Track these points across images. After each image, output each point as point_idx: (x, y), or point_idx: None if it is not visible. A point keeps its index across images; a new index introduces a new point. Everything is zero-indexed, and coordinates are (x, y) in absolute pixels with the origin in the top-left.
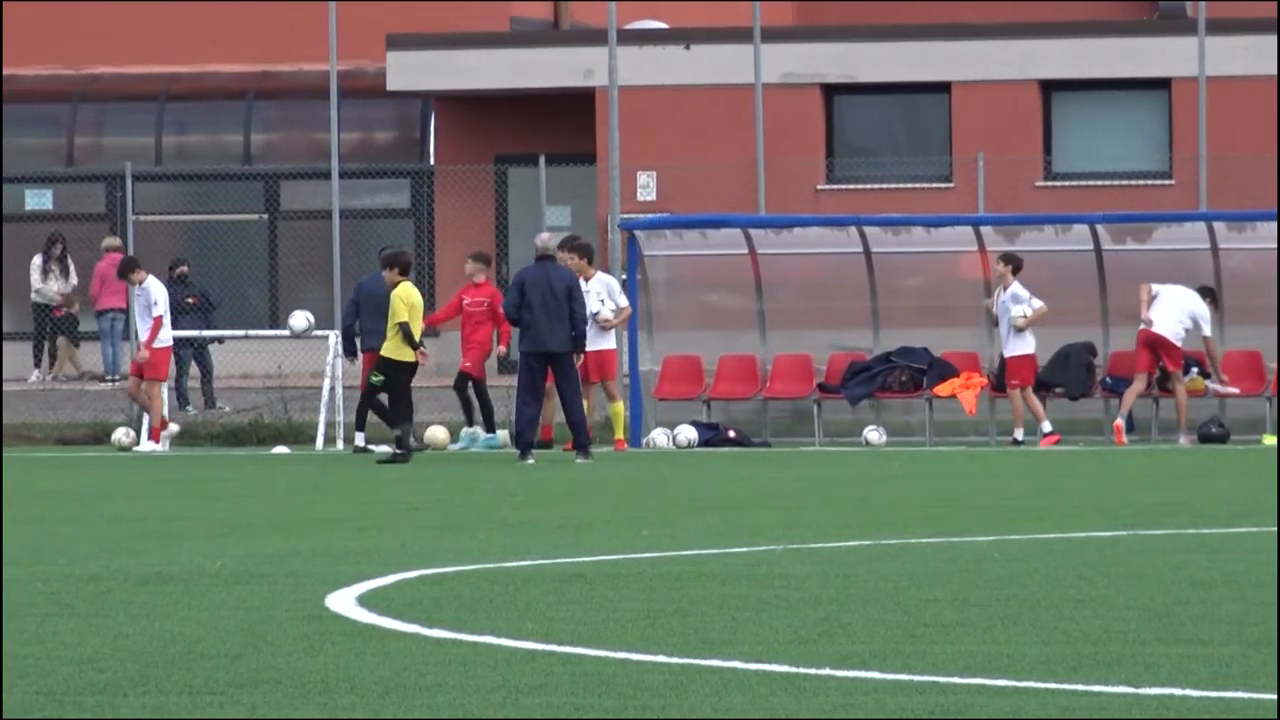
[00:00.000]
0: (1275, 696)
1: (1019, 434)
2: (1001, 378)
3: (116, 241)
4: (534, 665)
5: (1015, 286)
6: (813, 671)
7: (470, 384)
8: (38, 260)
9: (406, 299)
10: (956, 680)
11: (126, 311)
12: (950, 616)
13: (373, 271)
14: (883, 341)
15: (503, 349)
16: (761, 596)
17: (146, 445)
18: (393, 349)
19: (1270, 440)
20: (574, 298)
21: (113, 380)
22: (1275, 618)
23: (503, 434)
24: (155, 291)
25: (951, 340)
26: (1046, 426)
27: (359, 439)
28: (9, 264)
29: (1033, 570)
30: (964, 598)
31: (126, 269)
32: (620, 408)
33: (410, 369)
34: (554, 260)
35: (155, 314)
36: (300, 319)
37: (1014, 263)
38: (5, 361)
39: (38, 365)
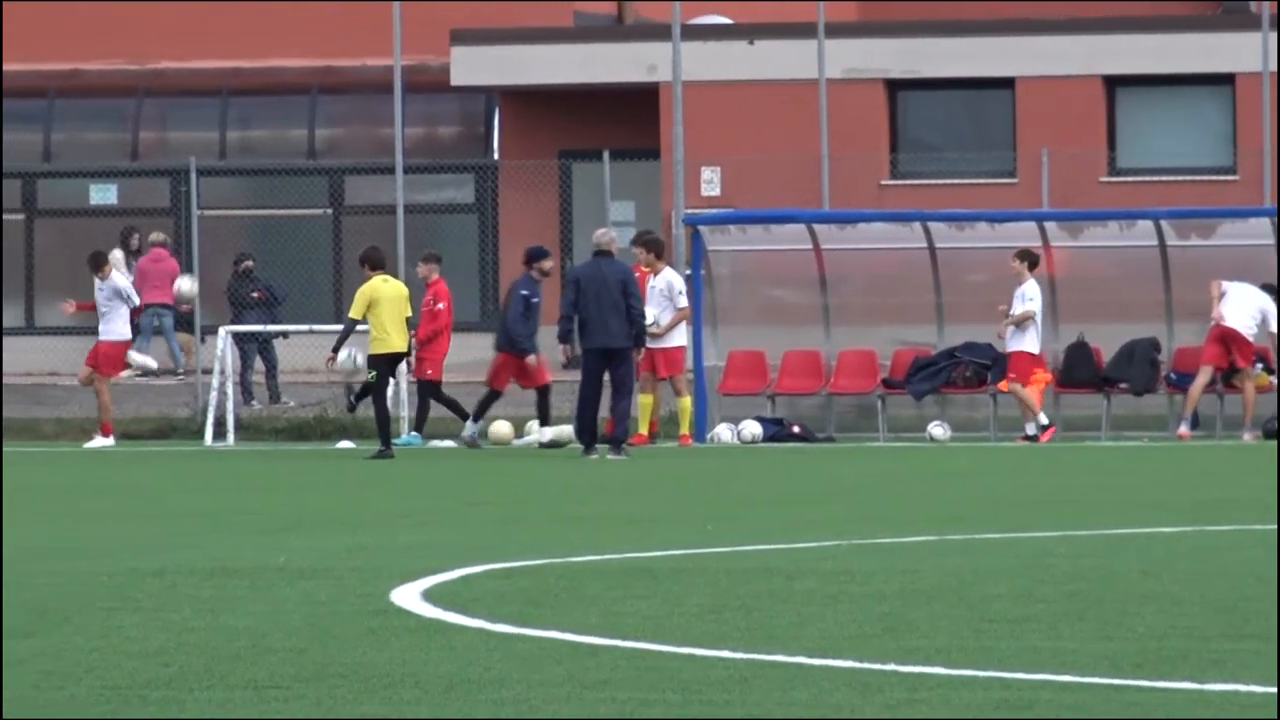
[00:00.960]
0: None
1: (1030, 428)
2: (1067, 373)
3: (162, 236)
4: (598, 660)
5: (1028, 284)
6: (877, 667)
7: (432, 388)
8: (118, 254)
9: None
10: (1021, 676)
11: (172, 307)
12: (1015, 612)
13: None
14: (947, 337)
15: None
16: (826, 592)
17: (97, 442)
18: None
19: None
20: (629, 292)
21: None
22: None
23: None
24: (125, 285)
25: (1014, 340)
26: (1043, 419)
27: (545, 434)
28: (72, 259)
29: (1097, 566)
30: (1029, 593)
31: (96, 264)
32: (688, 403)
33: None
34: (611, 255)
35: (133, 305)
36: (185, 283)
37: (1030, 259)
38: (63, 358)
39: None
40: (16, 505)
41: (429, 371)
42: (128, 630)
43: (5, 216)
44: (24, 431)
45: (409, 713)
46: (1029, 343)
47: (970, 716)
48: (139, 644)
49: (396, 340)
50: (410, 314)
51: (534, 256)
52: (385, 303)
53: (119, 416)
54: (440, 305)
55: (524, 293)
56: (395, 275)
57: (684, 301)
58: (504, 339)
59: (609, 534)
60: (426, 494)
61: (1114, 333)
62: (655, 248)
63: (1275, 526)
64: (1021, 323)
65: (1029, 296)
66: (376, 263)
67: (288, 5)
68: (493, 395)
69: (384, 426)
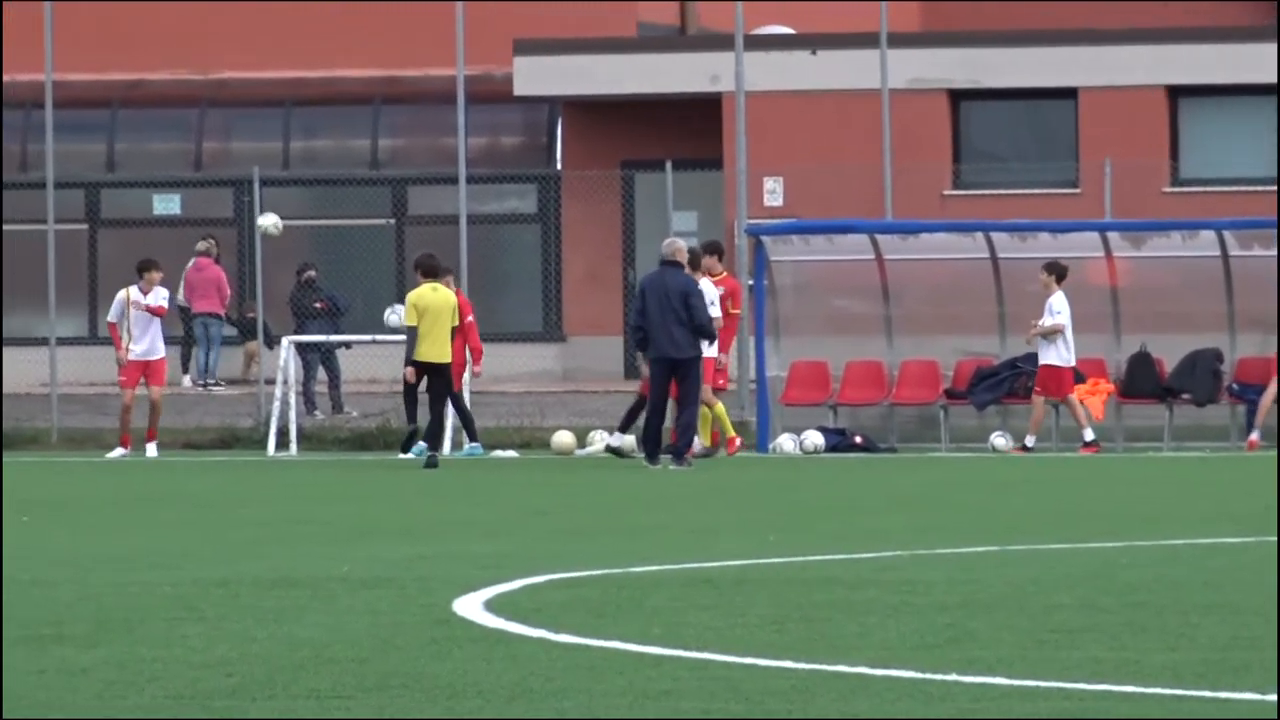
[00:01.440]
0: None
1: (1087, 434)
2: (1129, 383)
3: (205, 245)
4: (661, 670)
5: (1056, 296)
6: (939, 677)
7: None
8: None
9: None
10: (1083, 686)
11: (220, 316)
12: (1077, 622)
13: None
14: (1009, 347)
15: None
16: (888, 602)
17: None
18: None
19: None
20: (690, 304)
21: (211, 385)
22: None
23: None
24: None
25: (1078, 346)
26: (1089, 434)
27: (613, 438)
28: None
29: (1160, 576)
30: (1091, 604)
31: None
32: (720, 409)
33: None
34: (677, 265)
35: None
36: (269, 219)
37: (1057, 271)
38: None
39: (186, 370)
40: (80, 515)
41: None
42: (191, 640)
43: (69, 226)
44: (87, 441)
45: None
46: (1058, 355)
47: None
48: (202, 654)
49: (430, 350)
50: (457, 324)
51: (699, 258)
52: (429, 312)
53: (182, 426)
54: (470, 319)
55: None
56: (457, 286)
57: (716, 311)
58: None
59: (671, 544)
60: (489, 504)
61: (1176, 343)
62: (706, 252)
63: None
64: (1049, 335)
65: (1056, 309)
66: (428, 270)
67: (351, 15)
68: (642, 403)
69: (417, 433)
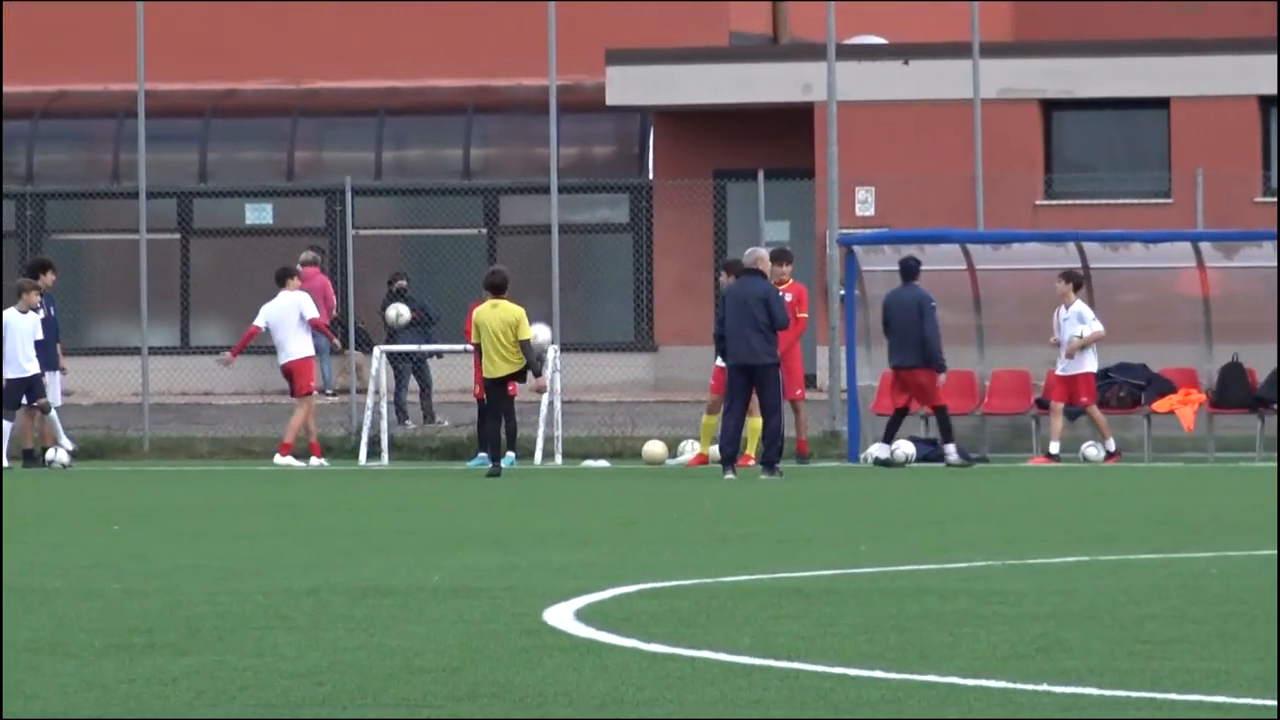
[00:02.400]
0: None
1: (1054, 448)
2: (1220, 393)
3: (311, 255)
4: (751, 680)
5: (1078, 305)
6: (1030, 687)
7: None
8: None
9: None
10: (1174, 697)
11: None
12: (1168, 633)
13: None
14: (1101, 357)
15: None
16: (979, 612)
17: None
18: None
19: None
20: (772, 312)
21: (331, 394)
22: None
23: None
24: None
25: (1170, 356)
26: (1111, 445)
27: (878, 449)
28: (227, 279)
29: (1251, 586)
30: (1182, 614)
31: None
32: (757, 424)
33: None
34: (759, 274)
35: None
36: (395, 311)
37: (1074, 280)
38: (219, 378)
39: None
40: (170, 524)
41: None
42: (282, 649)
43: (161, 235)
44: (179, 450)
45: None
46: (1082, 365)
47: None
48: (293, 663)
49: (492, 365)
50: (517, 338)
51: (911, 270)
52: (485, 327)
53: (275, 435)
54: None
55: (933, 304)
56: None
57: None
58: (919, 354)
59: (761, 554)
60: (580, 513)
61: (1268, 353)
62: (777, 259)
63: None
64: (1089, 344)
65: (1091, 317)
66: (488, 285)
67: (443, 25)
68: (902, 414)
69: (492, 444)
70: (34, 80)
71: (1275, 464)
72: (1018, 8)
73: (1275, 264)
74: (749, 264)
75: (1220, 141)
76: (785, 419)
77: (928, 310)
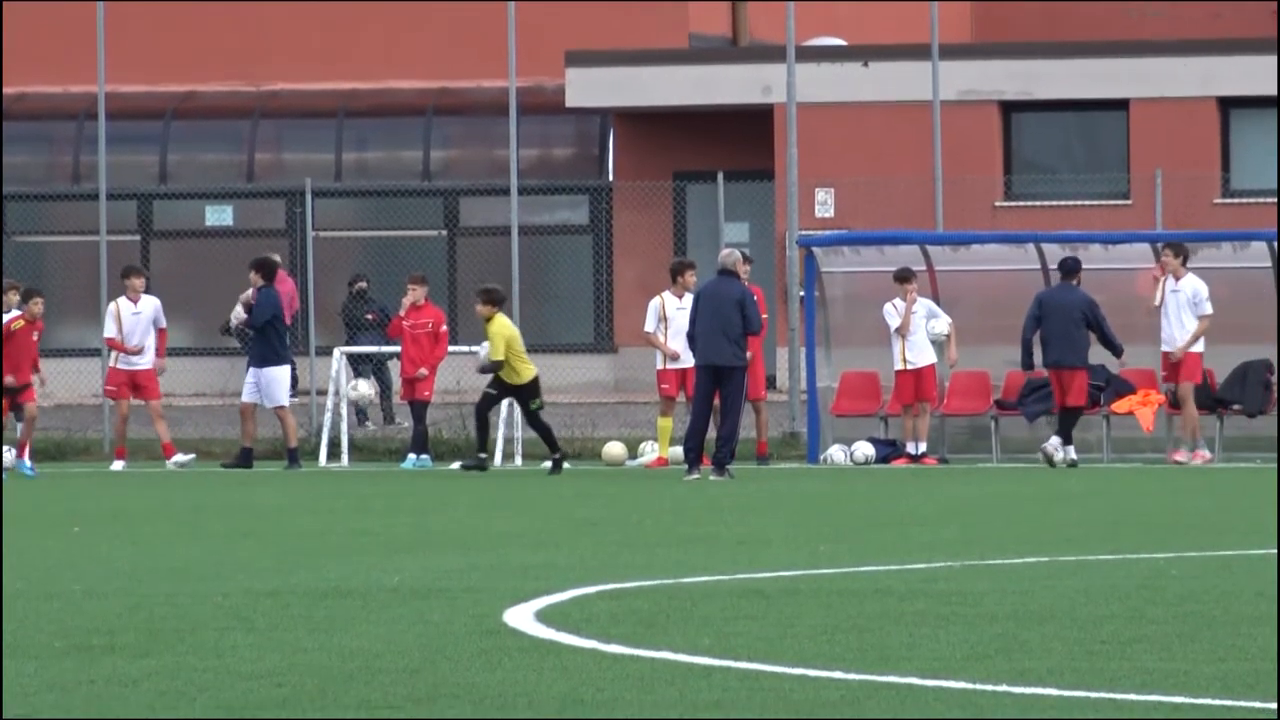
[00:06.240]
0: None
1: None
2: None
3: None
4: (711, 681)
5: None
6: (989, 688)
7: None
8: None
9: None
10: (1133, 697)
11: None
12: (1127, 633)
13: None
14: None
15: (424, 370)
16: (939, 612)
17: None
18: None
19: None
20: (746, 315)
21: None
22: None
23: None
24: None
25: (1129, 357)
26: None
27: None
28: (187, 280)
29: (1210, 587)
30: (1141, 614)
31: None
32: (667, 424)
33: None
34: (734, 275)
35: (160, 327)
36: (364, 387)
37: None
38: (180, 379)
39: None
40: (130, 525)
41: (425, 393)
42: (241, 651)
43: (121, 237)
44: (139, 451)
45: None
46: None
47: None
48: (252, 664)
49: (516, 374)
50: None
51: (1071, 269)
52: (515, 340)
53: (233, 437)
54: (445, 329)
55: (1098, 309)
56: (509, 298)
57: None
58: (1079, 356)
59: (721, 555)
60: (540, 515)
61: (1227, 354)
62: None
63: None
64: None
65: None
66: (500, 300)
67: (403, 26)
68: None
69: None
70: None
71: (1232, 465)
72: (977, 9)
73: (1238, 265)
74: (727, 265)
75: (1179, 143)
76: (744, 420)
77: (1098, 316)
